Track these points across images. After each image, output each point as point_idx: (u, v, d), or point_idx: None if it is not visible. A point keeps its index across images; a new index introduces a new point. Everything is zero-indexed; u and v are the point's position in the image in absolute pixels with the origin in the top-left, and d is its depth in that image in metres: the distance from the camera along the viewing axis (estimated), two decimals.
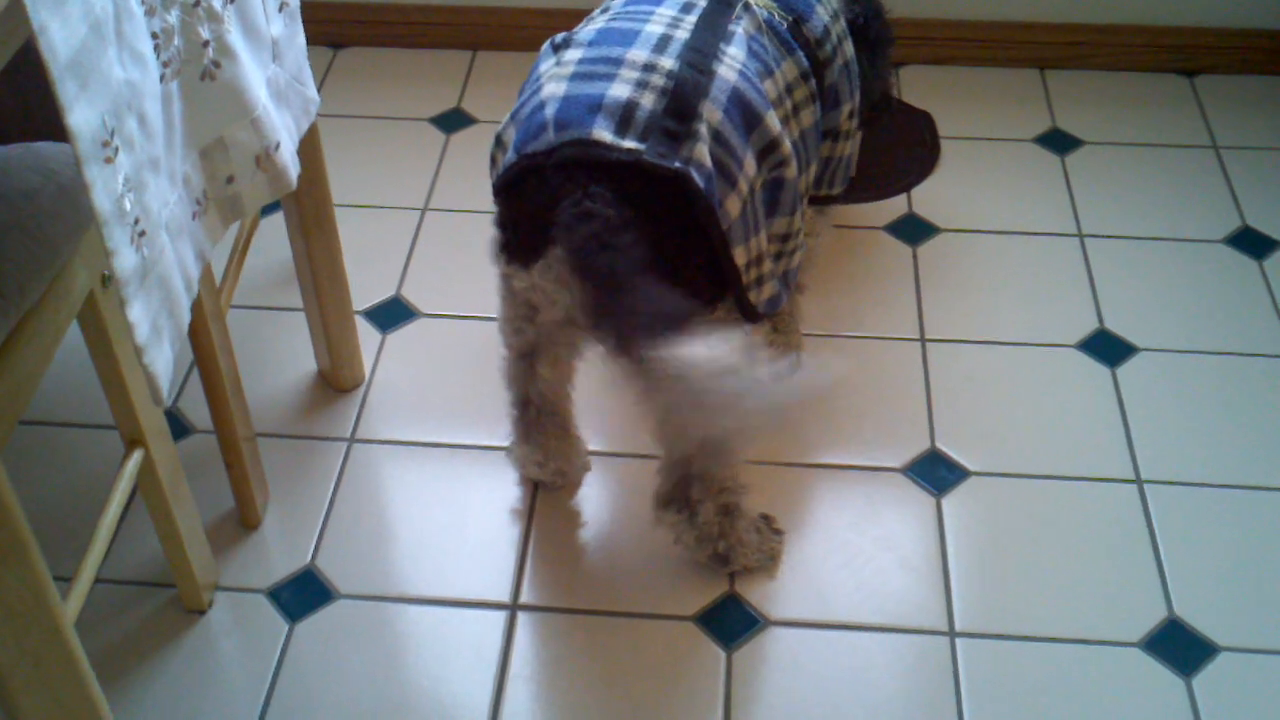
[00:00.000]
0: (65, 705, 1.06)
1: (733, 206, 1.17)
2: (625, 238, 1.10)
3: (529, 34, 2.21)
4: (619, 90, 1.16)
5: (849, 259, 1.86)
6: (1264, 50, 2.17)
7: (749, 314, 1.23)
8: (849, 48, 1.41)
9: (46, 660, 1.03)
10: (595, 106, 1.15)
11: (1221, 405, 1.64)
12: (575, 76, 1.18)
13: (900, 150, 2.04)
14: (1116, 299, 1.79)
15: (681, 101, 1.16)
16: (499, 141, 1.23)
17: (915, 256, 1.86)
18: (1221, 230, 1.90)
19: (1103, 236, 1.89)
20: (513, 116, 1.21)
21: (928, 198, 1.96)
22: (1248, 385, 1.67)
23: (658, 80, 1.17)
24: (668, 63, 1.18)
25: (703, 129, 1.16)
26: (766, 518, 1.48)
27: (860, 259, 1.86)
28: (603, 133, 1.14)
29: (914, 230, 1.90)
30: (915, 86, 2.18)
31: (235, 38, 1.11)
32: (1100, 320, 1.76)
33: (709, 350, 1.00)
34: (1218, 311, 1.77)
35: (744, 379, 1.01)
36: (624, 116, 1.15)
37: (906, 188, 1.98)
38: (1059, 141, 2.07)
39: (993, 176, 2.00)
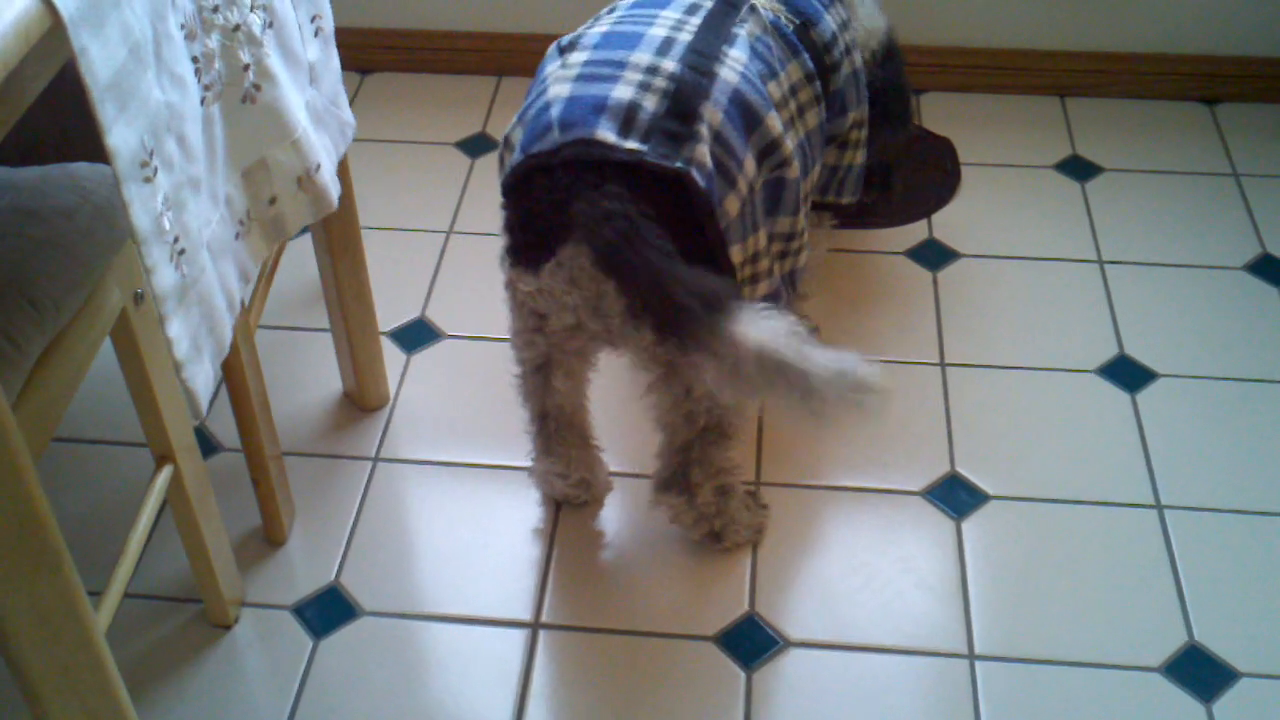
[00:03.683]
0: (94, 714, 1.08)
1: (731, 206, 1.19)
2: (651, 231, 1.13)
3: None
4: (622, 92, 1.18)
5: (870, 283, 1.87)
6: None
7: None
8: (858, 58, 1.44)
9: (76, 668, 1.04)
10: (599, 107, 1.18)
11: (1241, 431, 1.65)
12: (580, 78, 1.21)
13: (921, 176, 2.05)
14: (1136, 325, 1.79)
15: (683, 103, 1.18)
16: (507, 142, 1.25)
17: (936, 281, 1.87)
18: (1242, 257, 1.90)
19: (1123, 263, 1.90)
20: (519, 118, 1.24)
21: (948, 223, 1.97)
22: (1268, 411, 1.67)
23: (660, 82, 1.19)
24: (670, 65, 1.21)
25: (704, 130, 1.18)
26: (753, 494, 1.52)
27: (881, 283, 1.87)
28: (606, 133, 1.16)
29: (935, 255, 1.92)
30: (936, 113, 2.19)
31: (274, 61, 1.13)
32: (1120, 346, 1.77)
33: (770, 327, 1.06)
34: (1238, 338, 1.77)
35: (801, 355, 1.07)
36: (627, 117, 1.17)
37: (927, 213, 1.99)
38: (1079, 168, 2.07)
39: (1013, 203, 2.01)
